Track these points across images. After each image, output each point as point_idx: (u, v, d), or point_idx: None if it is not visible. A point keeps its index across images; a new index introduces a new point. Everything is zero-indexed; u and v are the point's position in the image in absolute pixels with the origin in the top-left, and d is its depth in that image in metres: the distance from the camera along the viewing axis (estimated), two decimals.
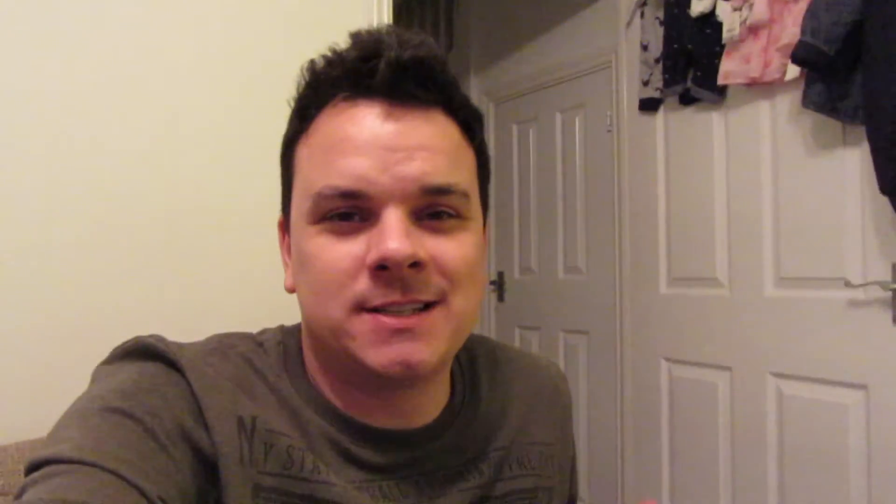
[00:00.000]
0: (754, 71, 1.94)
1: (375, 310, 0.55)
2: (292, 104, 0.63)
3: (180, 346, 0.60)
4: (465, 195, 0.58)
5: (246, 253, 1.48)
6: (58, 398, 1.21)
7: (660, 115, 2.38)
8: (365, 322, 0.55)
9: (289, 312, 0.71)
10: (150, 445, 0.51)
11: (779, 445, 1.97)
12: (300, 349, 0.65)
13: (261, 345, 0.64)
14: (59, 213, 1.27)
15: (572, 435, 0.79)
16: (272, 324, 0.69)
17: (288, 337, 0.65)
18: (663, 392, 2.37)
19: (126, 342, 0.60)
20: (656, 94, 2.34)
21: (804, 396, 1.91)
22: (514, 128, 3.18)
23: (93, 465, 0.47)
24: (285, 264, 0.65)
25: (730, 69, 2.01)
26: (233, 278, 1.48)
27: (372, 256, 0.54)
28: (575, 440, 0.81)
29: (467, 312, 0.59)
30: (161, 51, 1.40)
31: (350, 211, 0.55)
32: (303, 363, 0.64)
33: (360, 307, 0.55)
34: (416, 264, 0.54)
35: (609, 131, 2.66)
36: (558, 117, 2.96)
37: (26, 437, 1.15)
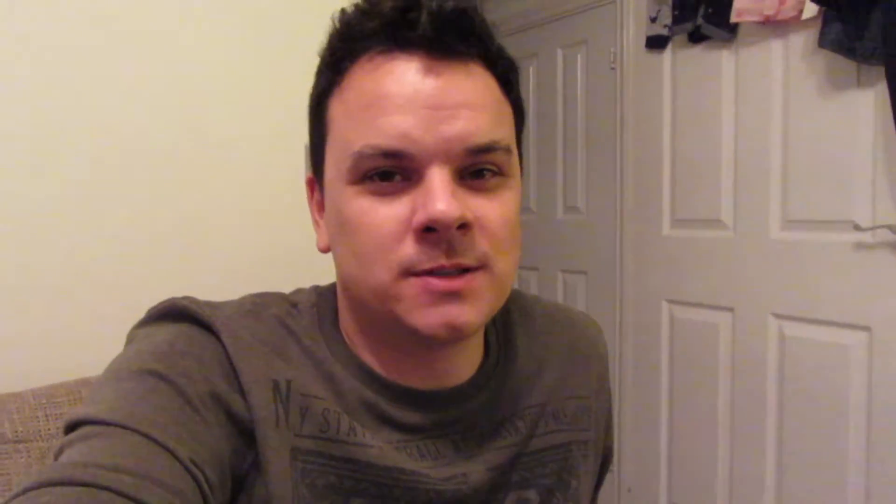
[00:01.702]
0: (769, 8, 1.89)
1: (422, 273, 0.53)
2: (322, 55, 0.60)
3: (214, 306, 0.59)
4: (508, 151, 0.57)
5: (275, 209, 1.46)
6: (72, 346, 1.21)
7: (667, 53, 2.33)
8: (413, 286, 0.53)
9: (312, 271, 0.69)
10: (183, 408, 0.51)
11: (779, 386, 2.01)
12: (335, 310, 0.64)
13: (295, 306, 0.63)
14: (90, 174, 1.24)
15: (609, 387, 0.79)
16: (299, 283, 0.68)
17: (322, 298, 0.65)
18: (664, 333, 2.40)
19: (160, 304, 0.60)
20: (664, 32, 2.29)
21: (806, 337, 1.94)
22: None
23: (125, 427, 0.48)
24: (315, 223, 0.64)
25: (743, 6, 1.96)
26: (260, 235, 1.45)
27: (419, 218, 0.52)
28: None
29: (508, 274, 0.58)
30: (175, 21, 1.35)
31: (391, 170, 0.53)
32: (337, 324, 0.63)
33: (407, 272, 0.53)
34: (462, 226, 0.53)
35: (612, 69, 2.61)
36: (559, 53, 2.89)
37: (42, 383, 1.15)
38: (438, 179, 0.52)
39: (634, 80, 2.49)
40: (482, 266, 0.55)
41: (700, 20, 2.14)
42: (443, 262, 0.53)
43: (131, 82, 1.31)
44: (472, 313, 0.55)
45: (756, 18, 1.94)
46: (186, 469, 0.48)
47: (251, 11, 1.46)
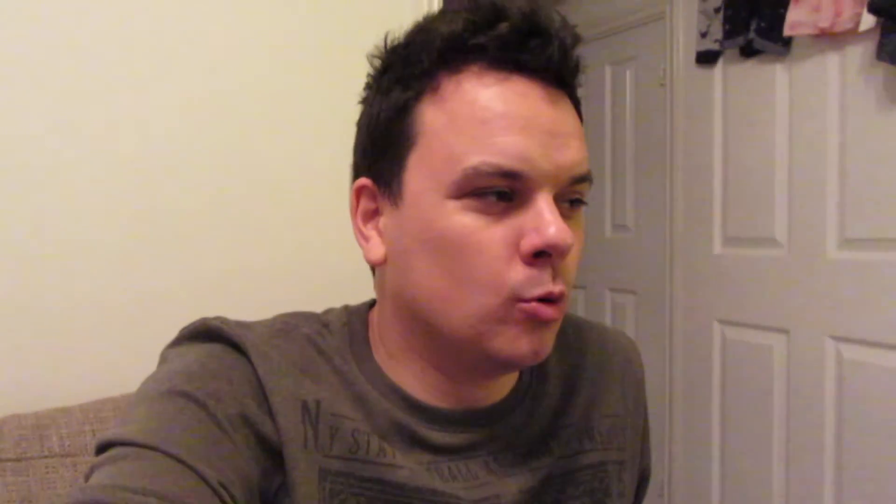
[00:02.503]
0: (824, 21, 1.84)
1: (530, 300, 0.53)
2: (400, 58, 0.58)
3: (245, 326, 0.60)
4: (592, 182, 0.58)
5: (299, 227, 1.47)
6: (118, 363, 1.23)
7: (718, 68, 2.29)
8: (521, 311, 0.53)
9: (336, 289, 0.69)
10: (212, 430, 0.51)
11: (837, 412, 1.93)
12: (366, 329, 0.64)
13: (326, 325, 0.63)
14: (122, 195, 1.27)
15: (646, 407, 0.77)
16: (326, 299, 0.68)
17: (353, 317, 0.64)
18: (715, 354, 2.33)
19: (192, 324, 0.60)
20: (715, 46, 2.24)
21: (866, 361, 1.85)
22: None
23: (155, 449, 0.48)
24: (360, 233, 0.61)
25: (797, 19, 1.91)
26: (284, 253, 1.46)
27: (533, 242, 0.52)
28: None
29: None
30: (218, 37, 1.37)
31: (506, 191, 0.53)
32: (369, 344, 0.63)
33: (517, 298, 0.53)
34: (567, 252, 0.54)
35: (662, 85, 2.57)
36: (608, 70, 2.86)
37: (90, 398, 1.17)
38: (548, 204, 0.53)
39: (685, 97, 2.44)
40: (565, 294, 0.56)
41: (752, 34, 2.09)
42: (551, 287, 0.53)
43: (179, 111, 1.34)
44: (552, 340, 0.57)
45: (811, 31, 1.89)
46: (214, 491, 0.48)
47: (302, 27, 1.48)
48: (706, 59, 2.30)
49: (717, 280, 2.32)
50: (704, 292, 2.38)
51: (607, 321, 2.84)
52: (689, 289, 2.45)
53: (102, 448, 0.50)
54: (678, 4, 2.45)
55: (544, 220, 0.52)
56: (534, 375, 0.67)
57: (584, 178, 0.56)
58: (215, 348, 0.57)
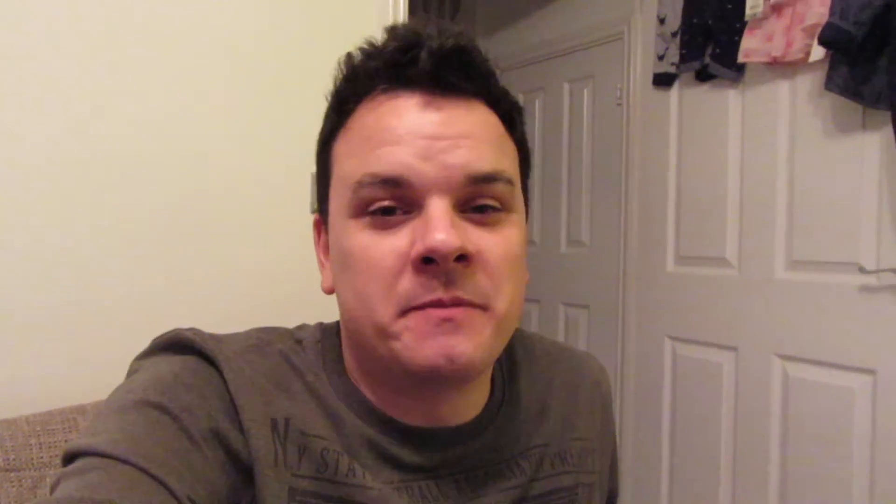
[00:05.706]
0: (776, 50, 1.90)
1: (419, 308, 0.52)
2: (329, 99, 0.61)
3: (219, 339, 0.59)
4: (510, 182, 0.56)
5: (269, 246, 1.45)
6: (68, 373, 1.20)
7: (674, 91, 2.35)
8: (412, 318, 0.52)
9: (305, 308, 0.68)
10: (183, 444, 0.51)
11: (782, 427, 1.99)
12: (339, 347, 0.63)
13: (299, 342, 0.63)
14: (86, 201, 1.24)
15: (614, 429, 0.78)
16: (295, 317, 0.68)
17: (326, 335, 0.64)
18: (666, 370, 2.38)
19: (165, 334, 0.59)
20: (672, 69, 2.30)
21: (810, 379, 1.92)
22: (521, 97, 3.12)
23: (125, 461, 0.47)
24: (321, 264, 0.64)
25: (751, 47, 1.98)
26: (256, 269, 1.45)
27: (417, 249, 0.51)
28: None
29: (511, 313, 0.56)
30: (181, 46, 1.36)
31: (393, 204, 0.53)
32: (341, 362, 0.62)
33: (408, 307, 0.52)
34: (462, 258, 0.51)
35: (618, 104, 2.62)
36: (566, 88, 2.91)
37: (36, 409, 1.13)
38: (438, 209, 0.52)
39: (641, 117, 2.50)
40: (483, 307, 0.53)
41: (707, 59, 2.15)
42: (440, 294, 0.51)
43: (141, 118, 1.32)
44: (468, 344, 0.52)
45: (763, 59, 1.95)
46: None
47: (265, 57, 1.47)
48: (662, 81, 2.35)
49: (669, 297, 2.37)
50: (656, 309, 2.42)
51: (560, 335, 2.87)
52: (641, 305, 2.50)
53: (70, 458, 0.49)
54: (636, 26, 2.50)
55: (429, 225, 0.51)
56: (505, 396, 0.67)
57: (489, 178, 0.54)
58: (188, 361, 0.56)
